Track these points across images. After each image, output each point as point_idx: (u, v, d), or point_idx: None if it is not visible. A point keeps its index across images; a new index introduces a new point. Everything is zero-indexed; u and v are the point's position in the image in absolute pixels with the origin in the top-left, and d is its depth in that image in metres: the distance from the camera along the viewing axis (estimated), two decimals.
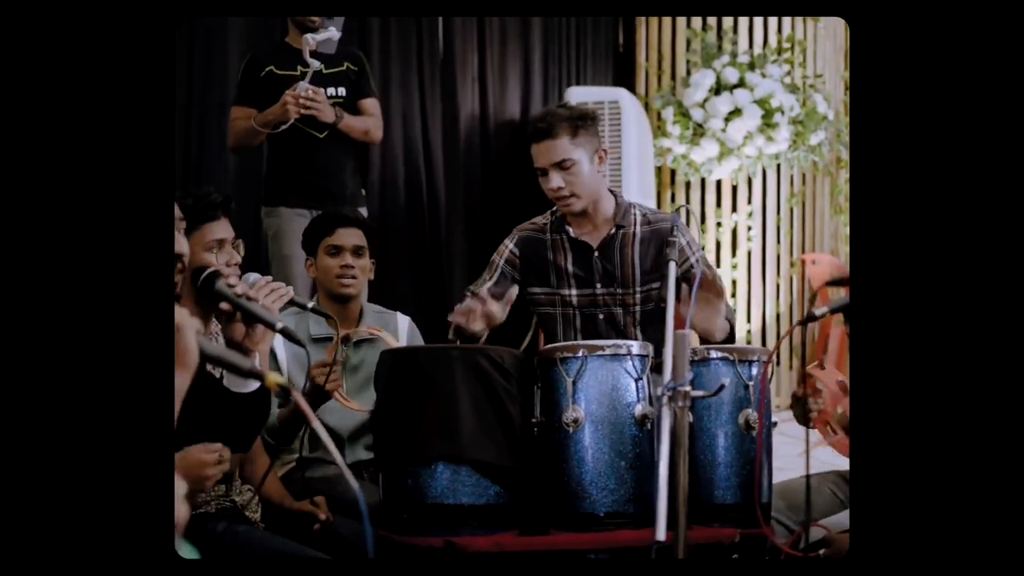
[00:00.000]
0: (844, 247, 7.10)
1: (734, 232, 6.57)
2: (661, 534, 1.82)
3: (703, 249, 5.68)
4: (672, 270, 2.46)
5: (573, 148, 2.98)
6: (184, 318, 1.53)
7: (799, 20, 6.68)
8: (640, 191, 5.92)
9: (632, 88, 6.61)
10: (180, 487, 1.16)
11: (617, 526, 2.40)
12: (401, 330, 3.26)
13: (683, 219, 2.85)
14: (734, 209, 6.55)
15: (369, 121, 4.29)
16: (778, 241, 6.63)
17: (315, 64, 4.03)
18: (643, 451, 2.45)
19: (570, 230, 3.11)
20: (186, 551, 1.10)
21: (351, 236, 3.17)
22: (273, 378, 1.59)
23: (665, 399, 2.04)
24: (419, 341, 3.28)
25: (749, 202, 6.56)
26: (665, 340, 2.20)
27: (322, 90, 4.06)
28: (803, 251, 6.72)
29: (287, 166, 4.21)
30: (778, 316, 6.65)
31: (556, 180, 2.99)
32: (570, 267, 3.10)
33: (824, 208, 6.89)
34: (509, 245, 3.16)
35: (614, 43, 6.89)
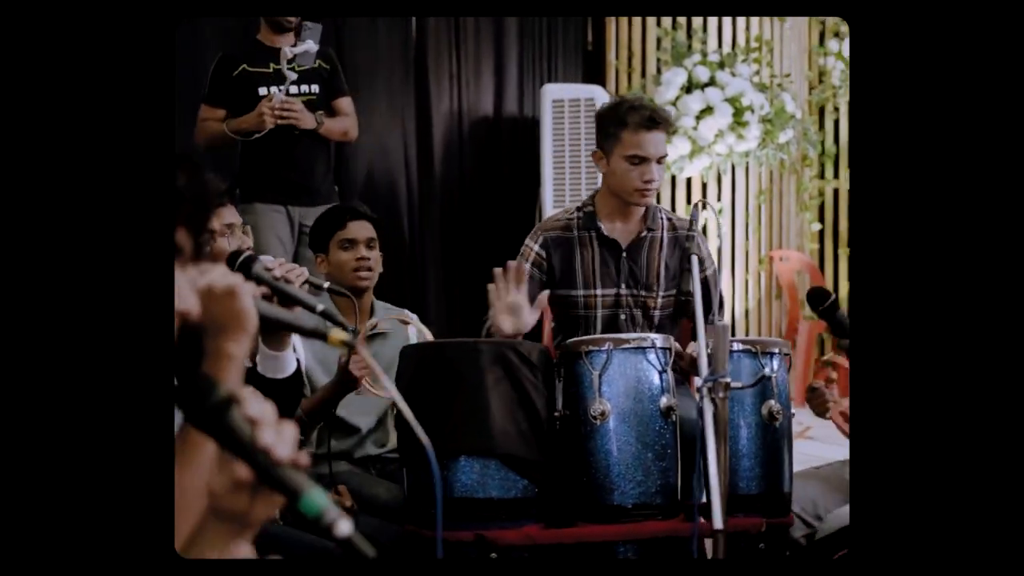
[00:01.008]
0: (810, 244, 7.20)
1: (704, 229, 6.62)
2: (719, 522, 1.84)
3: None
4: (695, 264, 2.49)
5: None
6: (240, 282, 1.50)
7: (767, 20, 6.75)
8: None
9: (603, 86, 6.64)
10: (289, 430, 1.07)
11: (645, 517, 2.42)
12: (410, 328, 3.24)
13: (700, 214, 2.88)
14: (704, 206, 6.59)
15: (347, 121, 4.32)
16: (747, 238, 6.70)
17: (291, 76, 4.03)
18: (668, 443, 2.47)
19: (602, 227, 3.10)
20: (317, 496, 1.02)
21: (363, 228, 3.11)
22: (337, 335, 1.58)
23: (705, 390, 2.07)
24: (428, 339, 3.26)
25: (719, 199, 6.62)
26: (696, 333, 2.23)
27: (298, 101, 4.06)
28: (771, 248, 6.80)
29: (262, 162, 4.19)
30: (747, 312, 6.73)
31: (655, 172, 3.02)
32: (597, 266, 3.09)
33: (791, 205, 6.98)
34: (534, 247, 3.12)
35: (583, 41, 6.91)
